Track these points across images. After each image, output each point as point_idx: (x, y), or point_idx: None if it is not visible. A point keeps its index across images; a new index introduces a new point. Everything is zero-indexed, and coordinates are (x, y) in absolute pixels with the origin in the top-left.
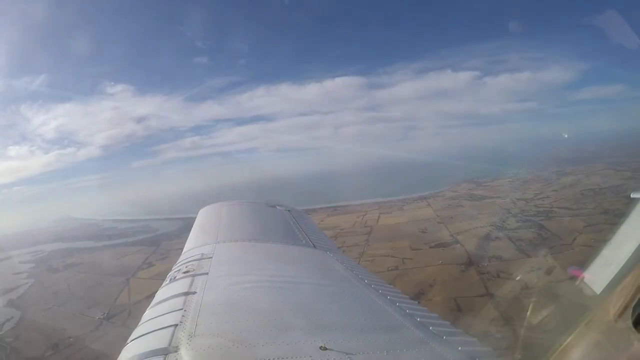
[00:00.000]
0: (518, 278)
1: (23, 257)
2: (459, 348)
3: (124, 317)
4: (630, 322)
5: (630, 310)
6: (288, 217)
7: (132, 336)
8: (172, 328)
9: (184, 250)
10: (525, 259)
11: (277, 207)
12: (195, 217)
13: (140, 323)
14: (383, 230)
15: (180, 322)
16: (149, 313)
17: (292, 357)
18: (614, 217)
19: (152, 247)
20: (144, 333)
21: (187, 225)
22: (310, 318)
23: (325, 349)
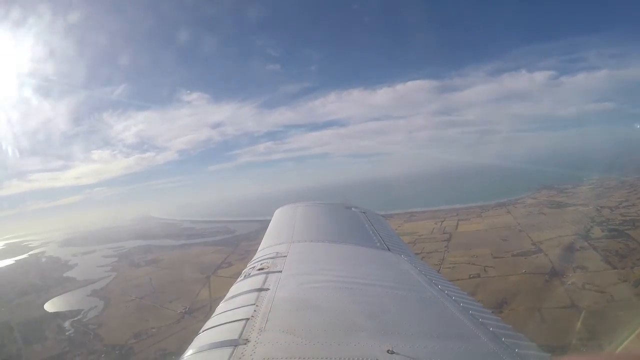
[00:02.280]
0: (604, 290)
1: (106, 252)
2: None
3: (205, 312)
4: None
5: None
6: (363, 219)
7: (205, 326)
8: (243, 322)
9: (260, 248)
10: (612, 270)
11: (353, 209)
12: (270, 220)
13: (213, 315)
14: (462, 237)
15: (252, 316)
16: (222, 306)
17: (359, 358)
18: None
19: (230, 247)
20: (217, 324)
21: (263, 227)
22: (380, 321)
23: (393, 352)
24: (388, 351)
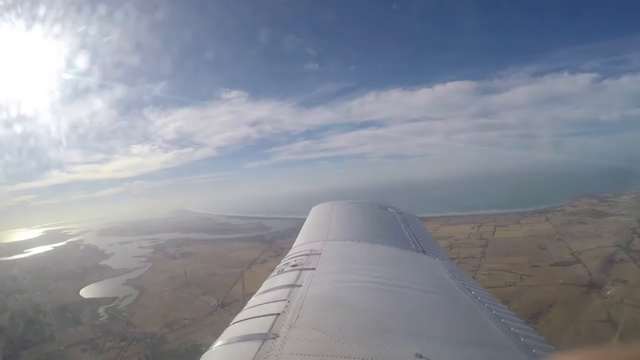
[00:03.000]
0: None
1: (142, 243)
2: None
3: (237, 306)
4: None
5: None
6: (399, 219)
7: (236, 319)
8: (274, 316)
9: (294, 244)
10: None
11: (389, 209)
12: (305, 218)
13: (245, 308)
14: (499, 243)
15: (283, 311)
16: (254, 300)
17: None
18: None
19: (265, 244)
20: (247, 317)
21: (298, 226)
22: (410, 324)
23: (421, 357)
24: (417, 355)
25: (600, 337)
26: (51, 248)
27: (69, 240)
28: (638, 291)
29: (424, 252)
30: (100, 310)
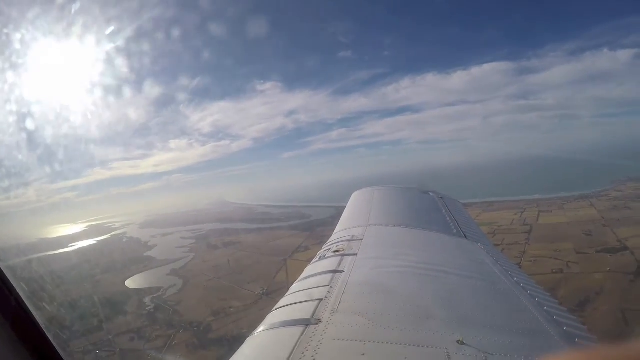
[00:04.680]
0: None
1: (184, 234)
2: None
3: (282, 293)
4: None
5: None
6: (440, 204)
7: (279, 304)
8: (316, 302)
9: (336, 230)
10: None
11: (430, 194)
12: (345, 206)
13: (287, 294)
14: (544, 229)
15: (325, 297)
16: (297, 286)
17: (428, 346)
18: None
19: (306, 232)
20: (290, 303)
21: (338, 213)
22: (452, 310)
23: (463, 343)
24: (458, 341)
25: None
26: (95, 241)
27: (112, 234)
28: None
29: (465, 237)
30: (146, 300)
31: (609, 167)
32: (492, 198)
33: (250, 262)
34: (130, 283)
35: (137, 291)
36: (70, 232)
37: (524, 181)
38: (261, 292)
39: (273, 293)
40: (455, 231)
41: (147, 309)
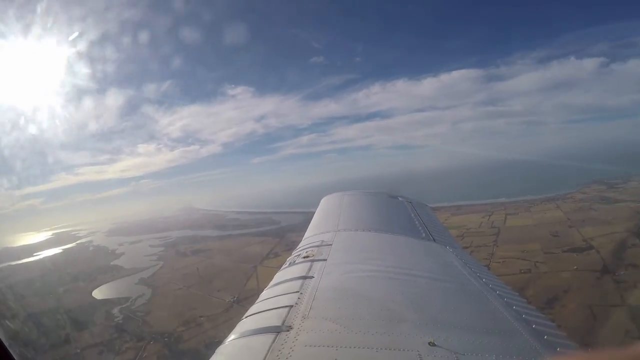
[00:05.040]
0: None
1: (152, 242)
2: None
3: (254, 301)
4: None
5: None
6: (409, 208)
7: (249, 312)
8: (287, 309)
9: (305, 236)
10: None
11: (399, 198)
12: (314, 211)
13: (257, 301)
14: (511, 231)
15: (296, 303)
16: (267, 293)
17: (400, 349)
18: None
19: (276, 238)
20: (260, 310)
21: (308, 219)
22: (422, 312)
23: (434, 345)
24: (429, 343)
25: (615, 321)
26: (61, 250)
27: (78, 242)
28: None
29: (434, 240)
30: (115, 310)
31: (574, 170)
32: (460, 202)
33: (220, 270)
34: (97, 293)
35: (105, 302)
36: (35, 240)
37: (491, 185)
38: (232, 300)
39: (244, 301)
40: (424, 235)
41: (115, 320)
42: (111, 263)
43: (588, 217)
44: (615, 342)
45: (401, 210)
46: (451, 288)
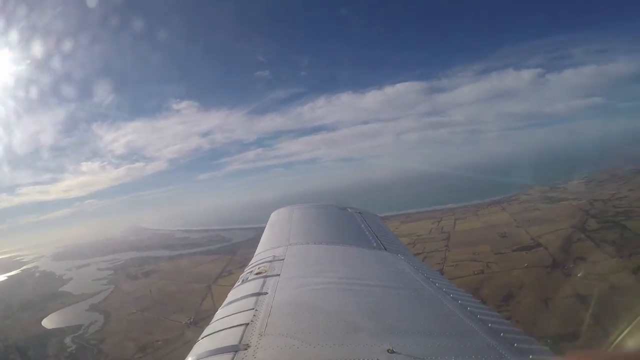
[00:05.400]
0: (604, 279)
1: (101, 265)
2: (530, 357)
3: (210, 321)
4: None
5: None
6: (359, 219)
7: (204, 333)
8: (243, 327)
9: (256, 252)
10: (610, 259)
11: (348, 210)
12: (265, 226)
13: (212, 321)
14: (461, 235)
15: (251, 321)
16: (221, 312)
17: (359, 359)
18: None
19: (228, 256)
20: (216, 330)
21: (258, 235)
22: (379, 321)
23: (393, 352)
24: (388, 350)
25: (568, 311)
26: (5, 277)
27: (23, 268)
28: (598, 266)
29: (385, 249)
30: (67, 340)
31: (518, 173)
32: (409, 210)
33: (173, 291)
34: (47, 322)
35: (56, 331)
36: None
37: (438, 192)
38: (188, 321)
39: (201, 322)
40: (375, 244)
41: (68, 350)
42: (59, 289)
43: (533, 217)
44: (571, 331)
45: (351, 221)
46: (405, 295)
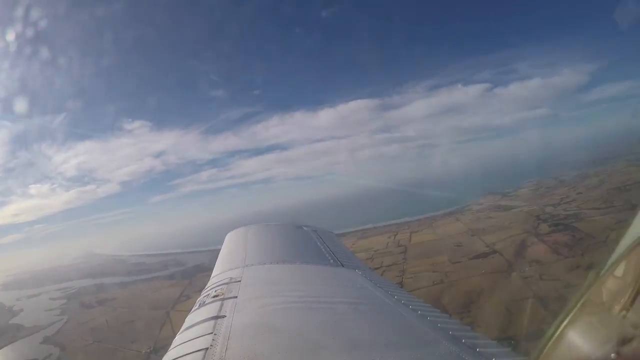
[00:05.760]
0: (559, 278)
1: (52, 294)
2: (492, 359)
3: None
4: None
5: (623, 300)
6: (315, 237)
7: None
8: (202, 352)
9: (213, 274)
10: (564, 259)
11: (304, 228)
12: (220, 248)
13: (171, 348)
14: (418, 247)
15: (211, 345)
16: (179, 338)
17: None
18: None
19: (185, 280)
20: (176, 357)
21: (215, 257)
22: (341, 337)
23: None
24: None
25: (528, 312)
26: None
27: None
28: (552, 267)
29: (342, 265)
30: None
31: (470, 184)
32: (364, 226)
33: (131, 319)
34: None
35: None
36: None
37: (392, 207)
38: (148, 350)
39: (161, 350)
40: (332, 261)
41: None
42: (10, 322)
43: (487, 225)
44: (532, 330)
45: (307, 239)
46: (365, 309)
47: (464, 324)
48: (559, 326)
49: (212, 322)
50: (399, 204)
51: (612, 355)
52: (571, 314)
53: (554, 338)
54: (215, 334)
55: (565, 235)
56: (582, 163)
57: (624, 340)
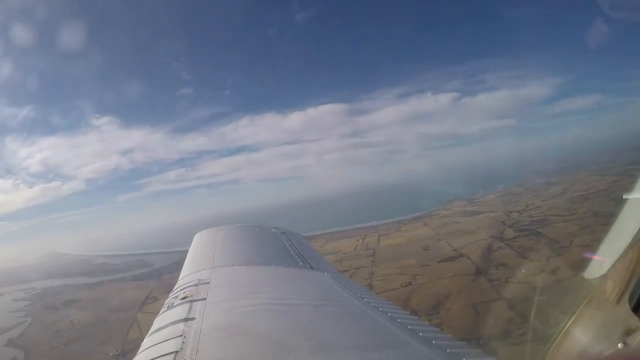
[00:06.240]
0: (525, 281)
1: (15, 295)
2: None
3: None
4: (627, 306)
5: (627, 295)
6: (284, 239)
7: None
8: (172, 355)
9: (181, 276)
10: (529, 263)
11: (272, 230)
12: (188, 249)
13: (140, 350)
14: (386, 251)
15: (181, 348)
16: (148, 341)
17: None
18: (606, 218)
19: (152, 281)
20: None
21: (183, 258)
22: (311, 339)
23: None
24: None
25: (495, 312)
26: None
27: None
28: (518, 270)
29: (311, 268)
30: None
31: (437, 190)
32: (333, 229)
33: (97, 321)
34: None
35: None
36: None
37: (361, 210)
38: (116, 353)
39: (129, 352)
40: (301, 263)
41: None
42: None
43: (454, 230)
44: (500, 331)
45: (276, 241)
46: (335, 312)
47: (433, 325)
48: (566, 323)
49: (182, 324)
50: (367, 207)
51: (619, 345)
52: (577, 311)
53: (561, 334)
54: (184, 337)
55: (530, 240)
56: (546, 172)
57: (629, 332)
